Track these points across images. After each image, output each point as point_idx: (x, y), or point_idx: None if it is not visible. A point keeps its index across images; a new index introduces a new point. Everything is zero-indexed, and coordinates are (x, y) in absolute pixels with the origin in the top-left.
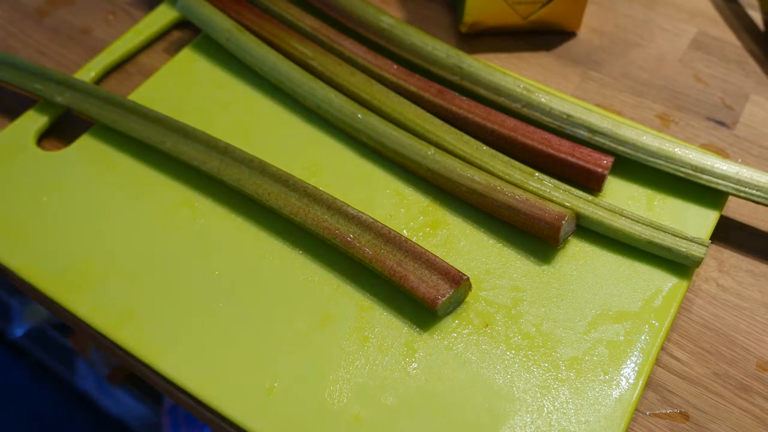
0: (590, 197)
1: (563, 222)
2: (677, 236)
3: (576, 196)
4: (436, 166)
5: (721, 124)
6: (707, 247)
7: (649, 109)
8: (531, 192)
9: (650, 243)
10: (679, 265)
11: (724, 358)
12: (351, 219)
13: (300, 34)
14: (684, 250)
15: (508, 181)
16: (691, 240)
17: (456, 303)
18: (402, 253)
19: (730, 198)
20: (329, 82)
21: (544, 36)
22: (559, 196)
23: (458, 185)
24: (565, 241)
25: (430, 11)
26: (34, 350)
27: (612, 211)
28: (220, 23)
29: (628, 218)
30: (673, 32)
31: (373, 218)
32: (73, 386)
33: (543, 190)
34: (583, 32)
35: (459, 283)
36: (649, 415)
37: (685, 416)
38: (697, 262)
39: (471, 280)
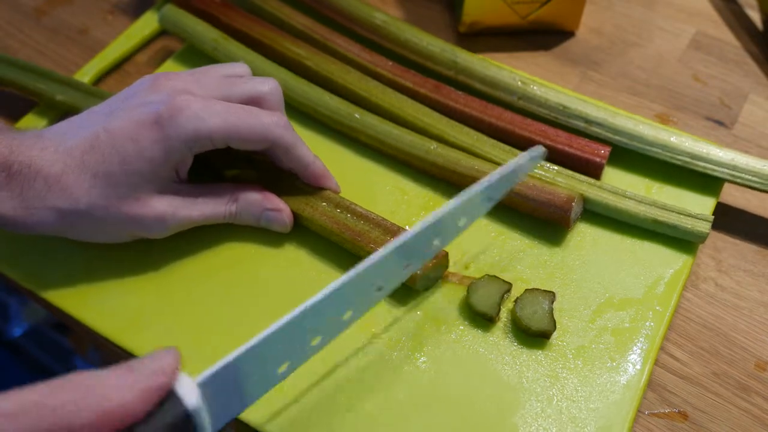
0: (594, 181)
1: (573, 204)
2: (681, 213)
3: (580, 180)
4: (440, 159)
5: (720, 123)
6: (711, 222)
7: (648, 109)
8: (537, 178)
9: (656, 221)
10: (679, 250)
11: (723, 358)
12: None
13: (292, 34)
14: (689, 226)
15: None
16: (695, 216)
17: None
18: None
19: (729, 197)
20: (325, 81)
21: (543, 36)
22: (563, 182)
23: (464, 177)
24: (574, 223)
25: (429, 11)
26: (32, 349)
27: (616, 193)
28: (206, 33)
29: (633, 199)
30: (672, 32)
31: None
32: None
33: (547, 177)
34: (581, 32)
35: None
36: (648, 414)
37: (683, 416)
38: (702, 238)
39: (474, 274)
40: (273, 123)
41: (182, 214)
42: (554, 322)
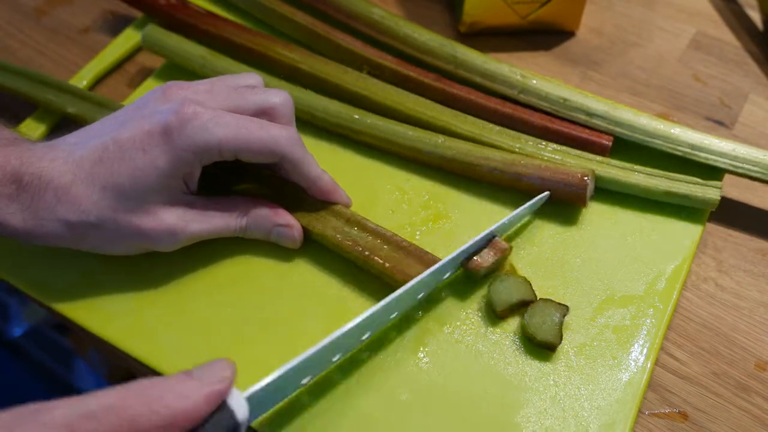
0: (603, 158)
1: (587, 180)
2: (690, 183)
3: (589, 159)
4: (449, 152)
5: (720, 123)
6: (720, 188)
7: (648, 109)
8: (546, 160)
9: (668, 193)
10: (680, 246)
11: (723, 358)
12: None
13: (291, 32)
14: (700, 194)
15: (522, 154)
16: (704, 184)
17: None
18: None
19: (728, 198)
20: (321, 83)
21: (543, 36)
22: (572, 162)
23: (475, 167)
24: (588, 201)
25: (429, 11)
26: (32, 349)
27: (625, 168)
28: (192, 51)
29: (642, 173)
30: (672, 32)
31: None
32: (72, 385)
33: (555, 158)
34: (581, 32)
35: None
36: (648, 414)
37: (683, 416)
38: (713, 204)
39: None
40: (282, 136)
41: (192, 227)
42: (561, 335)
